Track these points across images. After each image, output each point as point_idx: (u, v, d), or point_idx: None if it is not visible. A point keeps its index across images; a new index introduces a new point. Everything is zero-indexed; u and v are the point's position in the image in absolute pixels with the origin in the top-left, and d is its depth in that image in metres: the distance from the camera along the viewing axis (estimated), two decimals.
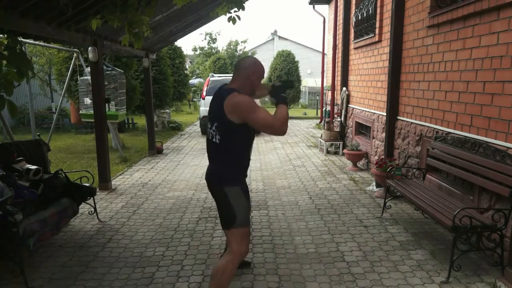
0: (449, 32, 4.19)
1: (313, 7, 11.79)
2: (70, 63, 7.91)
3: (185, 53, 15.84)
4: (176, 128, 12.89)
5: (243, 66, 2.56)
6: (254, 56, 14.23)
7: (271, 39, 36.37)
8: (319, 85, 17.17)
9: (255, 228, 4.22)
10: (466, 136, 3.86)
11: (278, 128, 2.39)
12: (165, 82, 12.10)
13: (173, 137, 11.38)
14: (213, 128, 2.49)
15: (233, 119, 2.38)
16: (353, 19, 7.85)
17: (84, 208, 4.44)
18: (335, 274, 3.21)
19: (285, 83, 2.72)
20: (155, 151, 8.66)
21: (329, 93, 9.97)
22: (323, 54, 12.88)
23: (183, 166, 7.37)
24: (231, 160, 2.51)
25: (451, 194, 4.05)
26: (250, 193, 5.49)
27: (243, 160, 2.57)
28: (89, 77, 6.82)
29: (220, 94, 2.49)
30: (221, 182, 2.52)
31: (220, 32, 35.56)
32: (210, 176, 2.61)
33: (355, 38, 7.72)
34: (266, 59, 32.47)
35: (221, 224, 2.60)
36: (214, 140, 2.49)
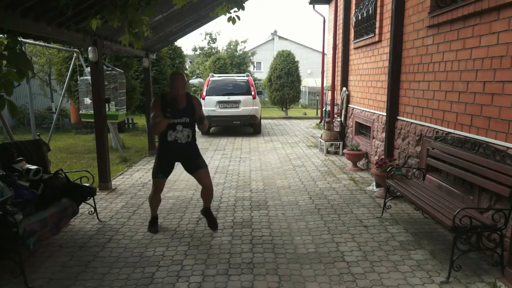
0: (449, 32, 4.19)
1: (313, 7, 11.80)
2: (70, 63, 7.93)
3: (185, 53, 15.86)
4: None
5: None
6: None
7: (271, 39, 36.43)
8: (319, 85, 17.18)
9: (255, 228, 4.22)
10: (466, 136, 3.86)
11: (153, 128, 3.93)
12: (165, 82, 12.11)
13: None
14: None
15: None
16: (353, 19, 7.85)
17: (84, 208, 4.44)
18: (335, 274, 3.21)
19: (169, 104, 3.75)
20: (155, 151, 8.63)
21: (329, 93, 9.97)
22: (323, 54, 12.88)
23: None
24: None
25: (451, 194, 4.05)
26: (249, 192, 5.53)
27: (165, 142, 4.07)
28: (89, 77, 6.82)
29: None
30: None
31: (220, 32, 35.51)
32: None
33: (355, 38, 7.72)
34: (266, 59, 32.59)
35: None
36: None
